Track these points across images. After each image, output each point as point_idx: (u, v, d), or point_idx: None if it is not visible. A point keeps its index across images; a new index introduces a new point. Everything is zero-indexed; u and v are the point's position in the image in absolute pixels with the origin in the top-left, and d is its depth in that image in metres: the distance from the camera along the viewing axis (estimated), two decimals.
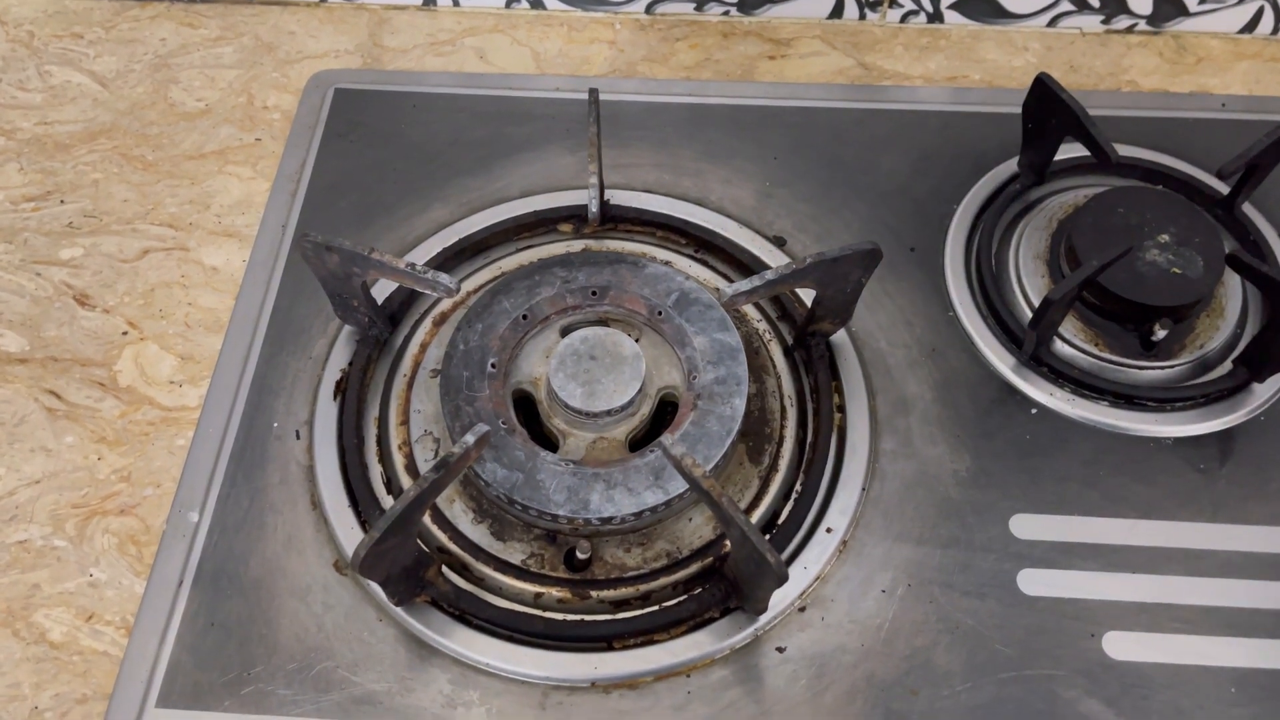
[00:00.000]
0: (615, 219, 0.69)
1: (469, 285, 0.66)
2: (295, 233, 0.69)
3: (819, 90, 0.77)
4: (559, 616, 0.54)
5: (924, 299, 0.66)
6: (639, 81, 0.78)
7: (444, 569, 0.55)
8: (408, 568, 0.52)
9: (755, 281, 0.56)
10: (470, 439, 0.50)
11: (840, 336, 0.64)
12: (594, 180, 0.66)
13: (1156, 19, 0.80)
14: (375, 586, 0.54)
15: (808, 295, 0.62)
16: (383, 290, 0.65)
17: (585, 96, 0.67)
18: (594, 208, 0.67)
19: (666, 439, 0.51)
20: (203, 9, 0.84)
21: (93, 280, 0.69)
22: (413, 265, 0.56)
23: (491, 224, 0.69)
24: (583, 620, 0.54)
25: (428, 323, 0.65)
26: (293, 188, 0.72)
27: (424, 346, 0.63)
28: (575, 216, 0.69)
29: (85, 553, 0.59)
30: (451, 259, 0.68)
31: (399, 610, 0.54)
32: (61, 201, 0.72)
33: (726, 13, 0.83)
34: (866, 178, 0.72)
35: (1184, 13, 0.80)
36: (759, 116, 0.75)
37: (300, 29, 0.83)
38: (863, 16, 0.82)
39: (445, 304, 0.65)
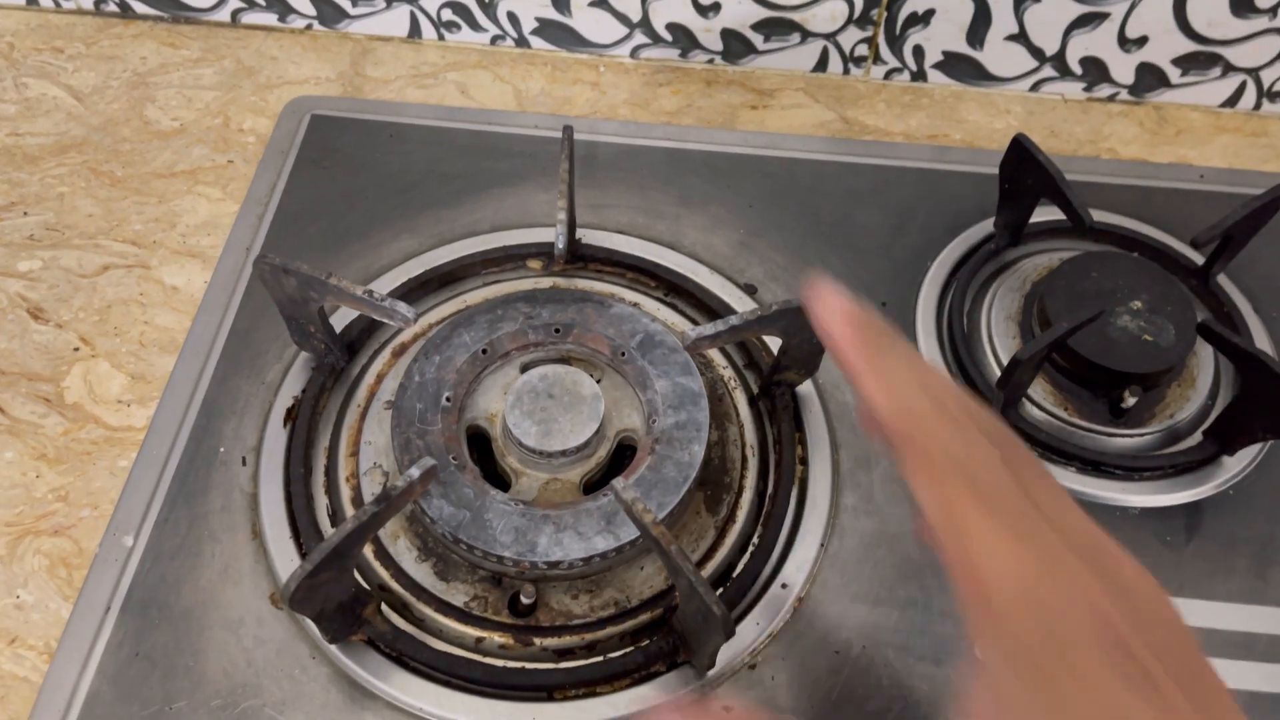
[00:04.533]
0: (585, 258, 0.68)
1: (432, 317, 0.65)
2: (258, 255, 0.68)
3: (799, 141, 0.77)
4: (499, 663, 0.52)
5: None
6: (619, 124, 0.77)
7: (383, 607, 0.53)
8: (344, 604, 0.50)
9: (719, 326, 0.55)
10: (415, 472, 0.49)
11: (806, 388, 0.62)
12: (562, 216, 0.65)
13: (1138, 89, 0.81)
14: (310, 623, 0.52)
15: (775, 344, 0.61)
16: (343, 318, 0.64)
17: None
18: (561, 244, 0.66)
19: (619, 482, 0.49)
20: (187, 30, 0.83)
21: (48, 294, 0.67)
22: (370, 292, 0.55)
23: (459, 256, 0.67)
24: (524, 668, 0.52)
25: (386, 353, 0.63)
26: (261, 211, 0.70)
27: (380, 377, 0.62)
28: (545, 254, 0.68)
29: (14, 573, 0.56)
30: (416, 289, 0.66)
31: (333, 649, 0.52)
32: (25, 213, 0.71)
33: (711, 61, 0.83)
34: (842, 230, 0.71)
35: (1166, 84, 0.80)
36: (738, 164, 0.75)
37: (283, 55, 0.82)
38: (846, 71, 0.82)
39: (405, 335, 0.64)
